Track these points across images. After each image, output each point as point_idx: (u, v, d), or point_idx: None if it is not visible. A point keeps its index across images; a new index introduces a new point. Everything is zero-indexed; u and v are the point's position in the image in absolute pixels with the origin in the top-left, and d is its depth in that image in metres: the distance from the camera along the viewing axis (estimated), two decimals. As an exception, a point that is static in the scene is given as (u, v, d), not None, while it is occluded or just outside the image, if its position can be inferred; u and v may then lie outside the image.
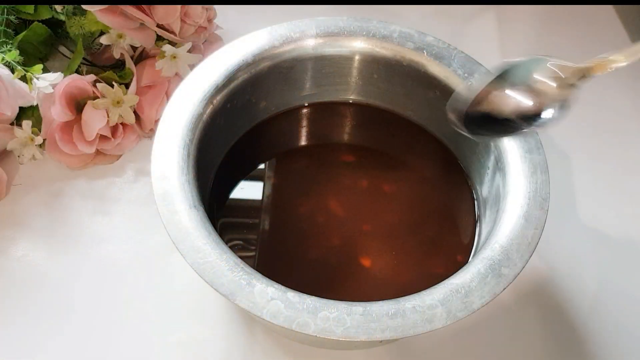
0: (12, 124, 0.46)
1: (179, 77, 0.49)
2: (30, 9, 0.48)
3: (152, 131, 0.48)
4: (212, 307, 0.41)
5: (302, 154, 0.46)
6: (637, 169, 0.51)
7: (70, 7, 0.47)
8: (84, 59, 0.49)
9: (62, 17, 0.48)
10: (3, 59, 0.45)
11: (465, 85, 0.40)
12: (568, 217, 0.47)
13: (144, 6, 0.46)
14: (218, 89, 0.40)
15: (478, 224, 0.41)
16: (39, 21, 0.48)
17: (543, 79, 0.34)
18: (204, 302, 0.41)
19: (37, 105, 0.45)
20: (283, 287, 0.32)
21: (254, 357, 0.40)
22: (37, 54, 0.49)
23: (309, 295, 0.32)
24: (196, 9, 0.49)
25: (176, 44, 0.48)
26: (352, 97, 0.47)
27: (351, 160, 0.45)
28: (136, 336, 0.40)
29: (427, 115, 0.45)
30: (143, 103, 0.48)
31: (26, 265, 0.43)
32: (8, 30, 0.47)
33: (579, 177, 0.50)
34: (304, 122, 0.47)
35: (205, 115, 0.39)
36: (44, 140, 0.46)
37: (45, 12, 0.48)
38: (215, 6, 0.52)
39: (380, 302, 0.32)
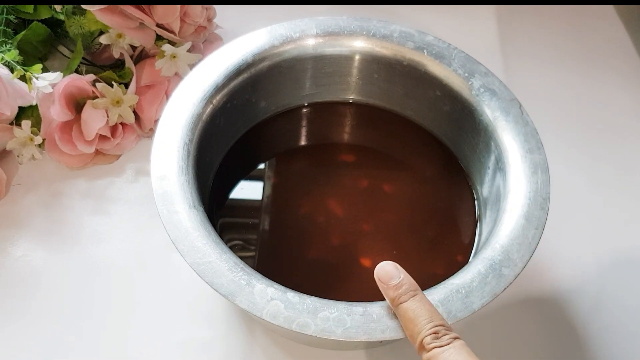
0: (11, 123, 0.46)
1: (178, 76, 0.49)
2: (29, 8, 0.48)
3: (152, 131, 0.48)
4: (211, 307, 0.41)
5: (302, 154, 0.46)
6: (638, 168, 0.51)
7: (69, 7, 0.47)
8: (83, 58, 0.49)
9: (62, 17, 0.48)
10: (2, 59, 0.44)
11: None
12: (569, 216, 0.47)
13: (144, 6, 0.46)
14: (218, 89, 0.40)
15: (478, 224, 0.41)
16: (38, 21, 0.48)
17: None
18: (204, 302, 0.41)
19: (36, 105, 0.45)
20: (283, 287, 0.32)
21: (253, 357, 0.40)
22: (36, 54, 0.49)
23: (309, 296, 0.32)
24: (196, 9, 0.49)
25: (176, 43, 0.48)
26: (352, 96, 0.46)
27: (351, 160, 0.45)
28: (135, 336, 0.40)
29: (427, 115, 0.45)
30: (143, 103, 0.48)
31: (25, 264, 0.43)
32: (7, 29, 0.47)
33: (579, 177, 0.50)
34: (304, 122, 0.47)
35: (205, 115, 0.39)
36: (44, 140, 0.46)
37: (44, 12, 0.48)
38: (215, 6, 0.52)
39: (380, 302, 0.32)
